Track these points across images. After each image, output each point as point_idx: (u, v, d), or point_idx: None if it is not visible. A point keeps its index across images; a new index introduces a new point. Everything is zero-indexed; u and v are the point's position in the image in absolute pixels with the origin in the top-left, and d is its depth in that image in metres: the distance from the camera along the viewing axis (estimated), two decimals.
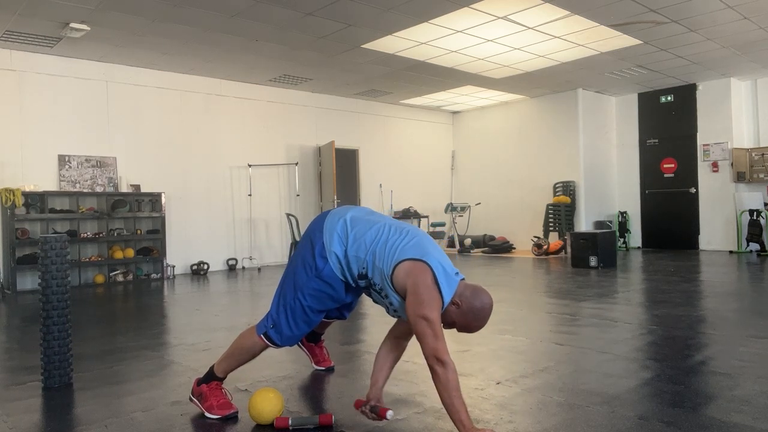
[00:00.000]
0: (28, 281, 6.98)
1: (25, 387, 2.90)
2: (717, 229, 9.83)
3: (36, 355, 3.51)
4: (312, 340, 3.06)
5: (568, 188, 10.41)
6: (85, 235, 7.32)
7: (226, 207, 8.93)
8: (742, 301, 4.78)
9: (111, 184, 7.72)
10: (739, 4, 6.09)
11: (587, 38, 7.19)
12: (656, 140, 10.59)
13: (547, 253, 9.77)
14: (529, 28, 6.72)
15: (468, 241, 11.29)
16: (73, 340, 3.87)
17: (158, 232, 7.90)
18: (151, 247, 7.91)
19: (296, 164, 9.63)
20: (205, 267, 8.29)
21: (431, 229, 11.25)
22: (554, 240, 10.20)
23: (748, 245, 9.34)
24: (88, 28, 6.24)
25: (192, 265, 8.27)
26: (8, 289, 6.77)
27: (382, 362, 2.29)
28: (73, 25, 6.09)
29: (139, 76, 8.01)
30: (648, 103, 10.61)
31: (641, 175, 10.81)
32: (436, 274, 2.03)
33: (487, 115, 11.85)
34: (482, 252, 10.82)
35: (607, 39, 7.22)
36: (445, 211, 11.68)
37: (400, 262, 2.07)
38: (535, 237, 10.28)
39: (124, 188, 7.80)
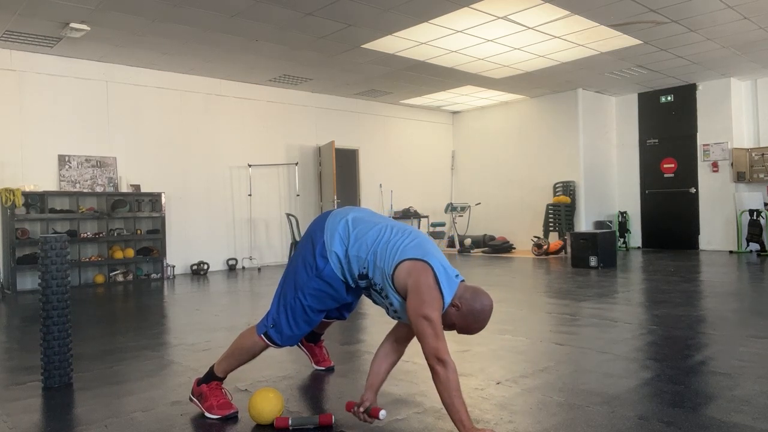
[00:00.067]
0: (28, 281, 6.97)
1: (25, 387, 2.90)
2: (717, 229, 9.83)
3: (36, 355, 3.51)
4: (311, 340, 3.06)
5: (568, 188, 10.41)
6: (85, 235, 7.32)
7: (226, 207, 8.93)
8: (742, 301, 4.78)
9: (111, 184, 7.72)
10: (739, 4, 6.09)
11: (587, 38, 7.19)
12: (656, 140, 10.59)
13: (547, 253, 9.77)
14: (529, 28, 6.72)
15: (468, 241, 11.29)
16: (73, 340, 3.87)
17: (158, 232, 7.90)
18: (151, 247, 7.91)
19: (296, 164, 9.63)
20: (205, 267, 8.29)
21: (431, 229, 11.25)
22: (554, 240, 10.20)
23: (748, 245, 9.34)
24: (88, 28, 6.24)
25: (192, 265, 8.27)
26: (8, 289, 6.77)
27: (378, 365, 2.28)
28: (73, 25, 6.09)
29: (139, 76, 8.01)
30: (648, 103, 10.61)
31: (641, 175, 10.81)
32: (437, 274, 2.04)
33: (487, 115, 11.85)
34: (482, 252, 10.82)
35: (607, 39, 7.22)
36: (445, 211, 11.68)
37: (401, 262, 2.08)
38: (535, 237, 10.28)
39: (124, 188, 7.80)
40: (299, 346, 3.09)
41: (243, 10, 5.89)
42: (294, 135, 9.77)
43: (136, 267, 7.85)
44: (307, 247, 2.31)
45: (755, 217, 9.05)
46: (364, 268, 2.18)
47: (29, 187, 6.92)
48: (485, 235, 11.53)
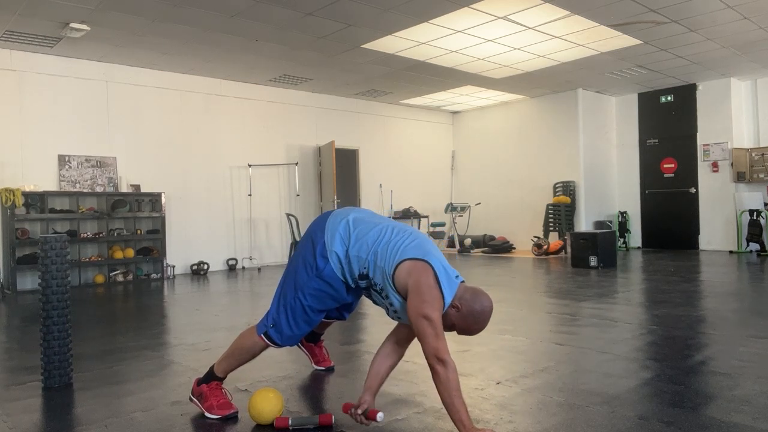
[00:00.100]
0: (28, 281, 6.97)
1: (25, 387, 2.90)
2: (717, 229, 9.83)
3: (36, 355, 3.51)
4: (311, 340, 3.06)
5: (568, 188, 10.41)
6: (85, 235, 7.32)
7: (226, 207, 8.93)
8: (742, 301, 4.78)
9: (111, 184, 7.72)
10: (739, 4, 6.09)
11: (587, 38, 7.19)
12: (656, 140, 10.59)
13: (547, 253, 9.77)
14: (529, 28, 6.72)
15: (468, 241, 11.29)
16: (73, 340, 3.87)
17: (158, 232, 7.90)
18: (151, 247, 7.91)
19: (296, 164, 9.64)
20: (205, 267, 8.29)
21: (431, 229, 11.25)
22: (554, 240, 10.20)
23: (748, 245, 9.34)
24: (88, 28, 6.24)
25: (192, 265, 8.27)
26: (8, 289, 6.77)
27: (378, 367, 2.26)
28: (73, 25, 6.09)
29: (139, 76, 8.01)
30: (648, 103, 10.61)
31: (641, 175, 10.81)
32: (438, 273, 2.04)
33: (487, 115, 11.85)
34: (482, 252, 10.82)
35: (607, 39, 7.22)
36: (445, 211, 11.68)
37: (402, 262, 2.08)
38: (535, 237, 10.28)
39: (124, 188, 7.80)
40: (299, 347, 3.10)
41: (243, 10, 5.89)
42: (294, 135, 9.77)
43: (136, 267, 7.85)
44: (308, 247, 2.31)
45: (755, 217, 9.05)
46: (365, 268, 2.18)
47: (29, 187, 6.92)
48: (485, 235, 11.53)
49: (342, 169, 10.52)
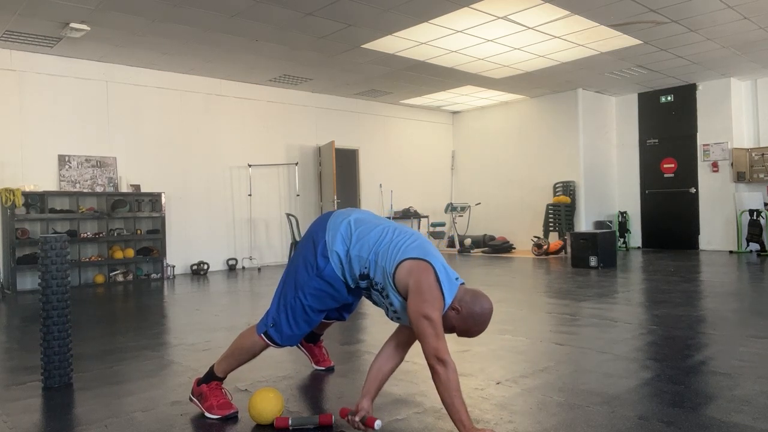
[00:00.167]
0: (28, 281, 6.97)
1: (25, 387, 2.90)
2: (717, 229, 9.83)
3: (36, 355, 3.51)
4: (311, 340, 3.06)
5: (568, 188, 10.41)
6: (85, 235, 7.32)
7: (226, 207, 8.93)
8: (742, 301, 4.78)
9: (111, 184, 7.72)
10: (739, 4, 6.09)
11: (587, 38, 7.19)
12: (656, 140, 10.59)
13: (547, 253, 9.77)
14: (529, 28, 6.72)
15: (468, 241, 11.29)
16: (73, 340, 3.87)
17: (158, 232, 7.90)
18: (151, 247, 7.91)
19: (296, 164, 9.63)
20: (205, 267, 8.29)
21: (431, 229, 11.25)
22: (554, 240, 10.20)
23: (748, 245, 9.34)
24: (88, 28, 6.24)
25: (192, 265, 8.27)
26: (8, 289, 6.77)
27: (377, 371, 2.25)
28: (73, 25, 6.09)
29: (139, 76, 8.01)
30: (648, 103, 10.61)
31: (641, 175, 10.81)
32: (438, 273, 2.04)
33: (487, 115, 11.85)
34: (482, 252, 10.82)
35: (607, 39, 7.22)
36: (445, 211, 11.68)
37: (403, 261, 2.09)
38: (535, 237, 10.28)
39: (124, 188, 7.80)
40: (298, 347, 3.10)
41: (243, 10, 5.89)
42: (294, 135, 9.77)
43: (136, 267, 7.85)
44: (308, 247, 2.31)
45: (755, 217, 9.05)
46: (366, 267, 2.18)
47: (29, 187, 6.92)
48: (485, 235, 11.53)
49: (342, 169, 10.52)
